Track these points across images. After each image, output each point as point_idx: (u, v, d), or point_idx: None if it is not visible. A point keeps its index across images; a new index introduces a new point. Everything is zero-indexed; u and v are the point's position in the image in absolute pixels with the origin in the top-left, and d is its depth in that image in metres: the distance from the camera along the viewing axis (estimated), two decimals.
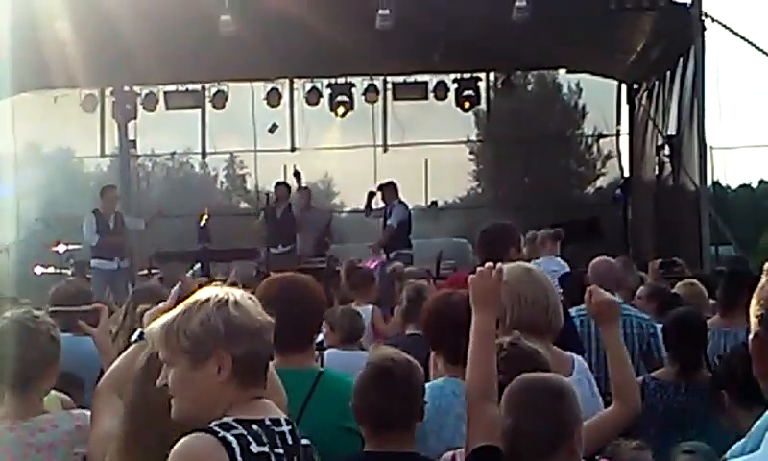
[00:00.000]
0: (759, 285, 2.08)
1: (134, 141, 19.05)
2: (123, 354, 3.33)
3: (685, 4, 14.06)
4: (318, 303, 3.92)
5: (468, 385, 3.34)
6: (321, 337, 6.04)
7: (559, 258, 10.15)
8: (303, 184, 16.12)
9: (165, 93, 18.07)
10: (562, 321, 4.12)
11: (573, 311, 6.44)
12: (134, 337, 3.28)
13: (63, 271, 13.49)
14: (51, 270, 13.84)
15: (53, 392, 4.09)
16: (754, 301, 2.07)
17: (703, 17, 13.81)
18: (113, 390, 3.15)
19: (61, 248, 13.82)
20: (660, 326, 6.18)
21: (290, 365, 3.55)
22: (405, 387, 3.40)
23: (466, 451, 3.33)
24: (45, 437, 3.55)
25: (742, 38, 13.74)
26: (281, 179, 16.31)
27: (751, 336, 2.02)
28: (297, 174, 16.19)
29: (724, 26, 13.74)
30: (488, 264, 3.51)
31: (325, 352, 6.01)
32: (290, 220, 15.27)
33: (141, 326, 3.27)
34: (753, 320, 2.05)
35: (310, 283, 3.94)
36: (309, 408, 3.51)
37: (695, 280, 7.43)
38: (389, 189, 15.07)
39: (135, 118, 18.33)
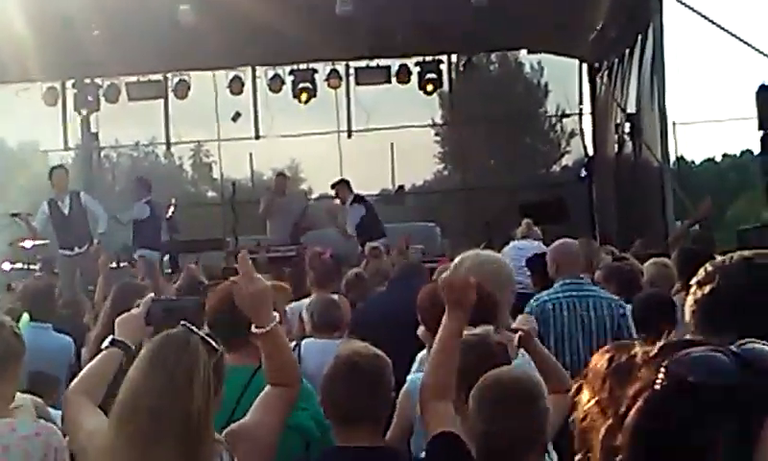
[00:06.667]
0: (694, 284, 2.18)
1: (96, 133, 19.01)
2: (94, 360, 3.31)
3: None
4: None
5: (427, 384, 3.27)
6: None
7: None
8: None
9: (127, 84, 17.94)
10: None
11: (545, 295, 6.50)
12: (106, 343, 3.29)
13: (31, 267, 13.36)
14: (19, 266, 13.69)
15: (27, 396, 4.04)
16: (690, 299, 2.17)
17: None
18: (84, 395, 3.14)
19: (28, 243, 13.58)
20: (628, 306, 6.23)
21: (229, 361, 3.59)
22: (372, 381, 3.37)
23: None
24: (1, 440, 3.46)
25: (699, 14, 13.82)
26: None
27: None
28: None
29: (681, 2, 13.80)
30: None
31: (302, 342, 6.06)
32: (156, 222, 14.06)
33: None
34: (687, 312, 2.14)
35: None
36: (242, 403, 3.43)
37: (667, 261, 7.45)
38: (342, 188, 14.37)
39: (98, 110, 18.28)
